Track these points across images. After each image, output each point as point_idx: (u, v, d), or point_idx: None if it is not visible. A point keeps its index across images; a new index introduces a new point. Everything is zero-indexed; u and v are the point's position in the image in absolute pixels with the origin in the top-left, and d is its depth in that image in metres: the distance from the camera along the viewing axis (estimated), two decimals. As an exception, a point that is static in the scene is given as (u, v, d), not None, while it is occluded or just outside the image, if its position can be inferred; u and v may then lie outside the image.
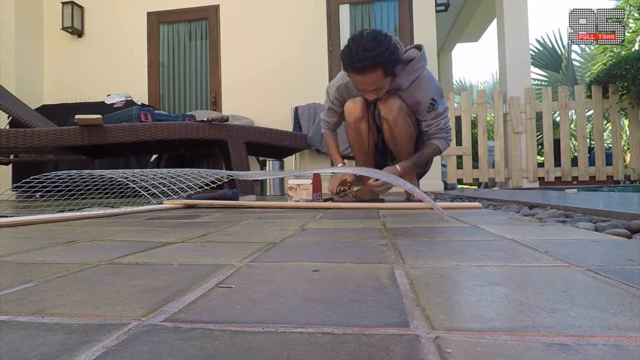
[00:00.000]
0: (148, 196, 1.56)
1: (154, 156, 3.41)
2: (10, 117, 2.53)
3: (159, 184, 1.58)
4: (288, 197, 1.93)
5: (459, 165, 4.02)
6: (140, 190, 1.51)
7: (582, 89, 4.00)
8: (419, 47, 1.72)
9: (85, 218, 1.31)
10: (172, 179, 1.56)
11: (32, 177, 1.29)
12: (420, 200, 1.56)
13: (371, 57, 1.47)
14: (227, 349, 0.27)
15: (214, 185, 1.72)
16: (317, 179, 1.92)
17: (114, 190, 1.76)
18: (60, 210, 1.42)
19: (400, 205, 1.51)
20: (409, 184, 1.21)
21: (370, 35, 1.51)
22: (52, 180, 1.34)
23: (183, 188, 1.64)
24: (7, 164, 3.00)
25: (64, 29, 4.40)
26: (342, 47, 1.73)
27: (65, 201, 1.84)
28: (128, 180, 1.44)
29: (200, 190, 1.76)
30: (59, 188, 1.35)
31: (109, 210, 1.44)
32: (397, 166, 1.77)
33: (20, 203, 1.57)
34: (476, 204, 1.47)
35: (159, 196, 1.65)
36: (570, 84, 6.40)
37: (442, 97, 1.77)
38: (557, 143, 3.96)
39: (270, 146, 2.61)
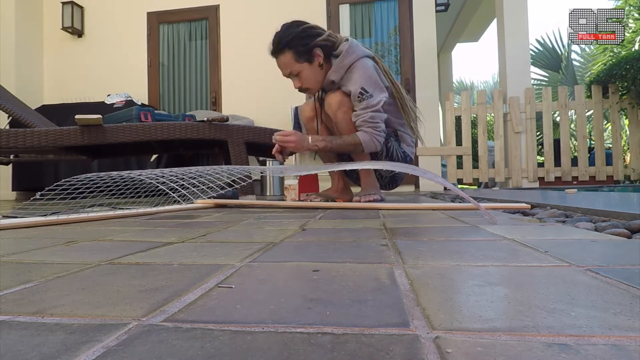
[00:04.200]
0: (177, 197, 1.57)
1: (154, 156, 3.41)
2: (10, 117, 2.53)
3: (189, 184, 1.58)
4: (284, 197, 1.94)
5: (459, 165, 4.02)
6: (169, 192, 1.52)
7: (582, 89, 4.00)
8: (347, 40, 1.71)
9: (113, 218, 1.30)
10: (201, 178, 1.57)
11: (71, 177, 1.28)
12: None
13: (277, 41, 1.65)
14: (227, 349, 0.27)
15: (244, 183, 1.74)
16: (313, 180, 1.92)
17: (126, 191, 1.76)
18: (68, 211, 1.42)
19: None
20: (436, 176, 1.23)
21: (285, 24, 1.68)
22: (89, 180, 1.33)
23: (212, 187, 1.65)
24: (7, 164, 3.00)
25: (64, 29, 4.40)
26: None
27: (69, 202, 1.84)
28: (158, 182, 1.44)
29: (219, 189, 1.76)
30: (69, 190, 1.35)
31: (141, 210, 1.45)
32: (309, 137, 1.69)
33: (32, 204, 1.56)
34: (523, 204, 1.36)
35: (188, 197, 1.66)
36: (570, 84, 6.40)
37: (381, 91, 1.68)
38: (557, 143, 3.96)
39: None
